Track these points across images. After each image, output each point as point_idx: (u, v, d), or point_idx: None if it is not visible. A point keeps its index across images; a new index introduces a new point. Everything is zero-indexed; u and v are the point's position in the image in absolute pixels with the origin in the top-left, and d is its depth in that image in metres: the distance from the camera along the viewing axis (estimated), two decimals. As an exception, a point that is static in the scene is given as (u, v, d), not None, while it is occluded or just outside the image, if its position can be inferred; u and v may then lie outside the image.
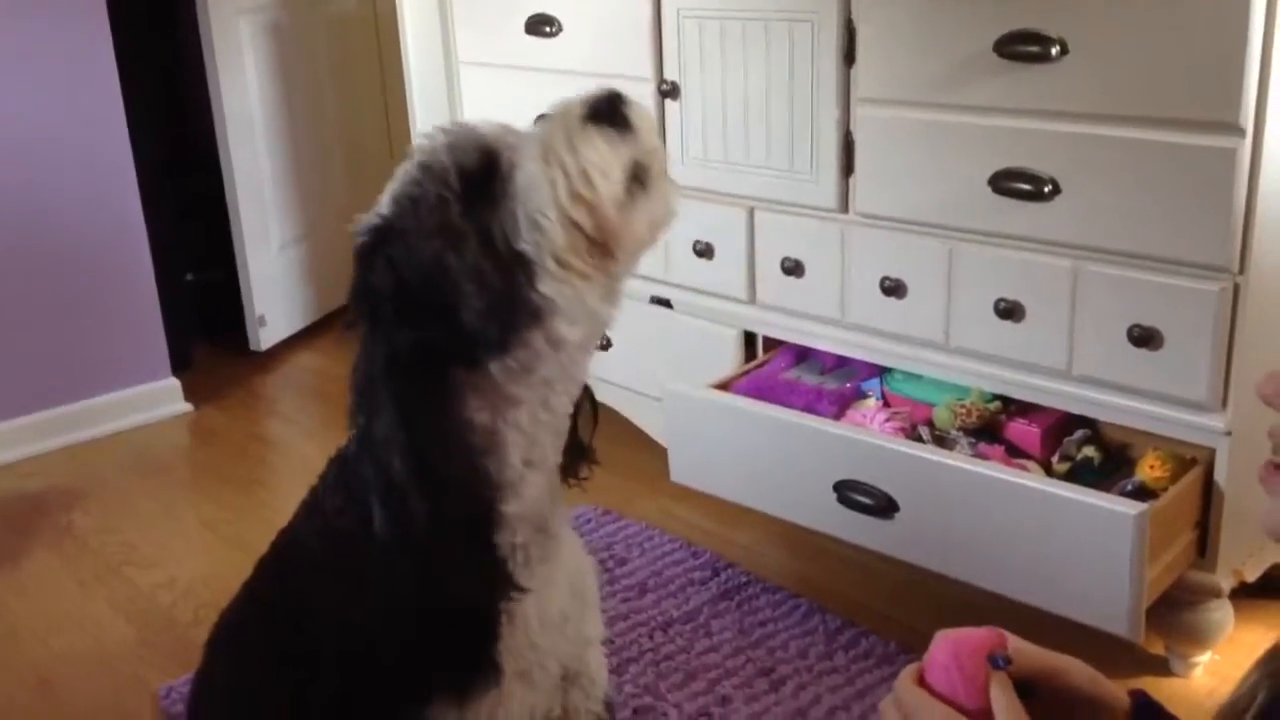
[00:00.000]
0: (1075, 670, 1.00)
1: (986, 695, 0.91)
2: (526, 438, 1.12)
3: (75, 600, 2.21)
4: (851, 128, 1.96)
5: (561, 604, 1.21)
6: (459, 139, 1.06)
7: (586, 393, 1.22)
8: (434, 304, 1.04)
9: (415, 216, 1.04)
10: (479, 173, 1.04)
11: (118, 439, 2.90)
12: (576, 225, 1.02)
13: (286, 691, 1.20)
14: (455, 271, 1.03)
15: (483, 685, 1.14)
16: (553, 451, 1.16)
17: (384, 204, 1.08)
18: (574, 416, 1.19)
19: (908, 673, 0.97)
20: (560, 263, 1.02)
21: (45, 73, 2.72)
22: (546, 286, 1.03)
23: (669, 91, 2.21)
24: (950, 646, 0.94)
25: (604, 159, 1.01)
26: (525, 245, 1.02)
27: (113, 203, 2.86)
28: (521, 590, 1.13)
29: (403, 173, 1.07)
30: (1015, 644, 0.98)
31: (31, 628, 2.11)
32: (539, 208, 1.02)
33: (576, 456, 1.24)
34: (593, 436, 1.26)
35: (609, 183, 1.02)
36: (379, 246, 1.06)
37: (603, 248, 1.04)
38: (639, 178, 1.04)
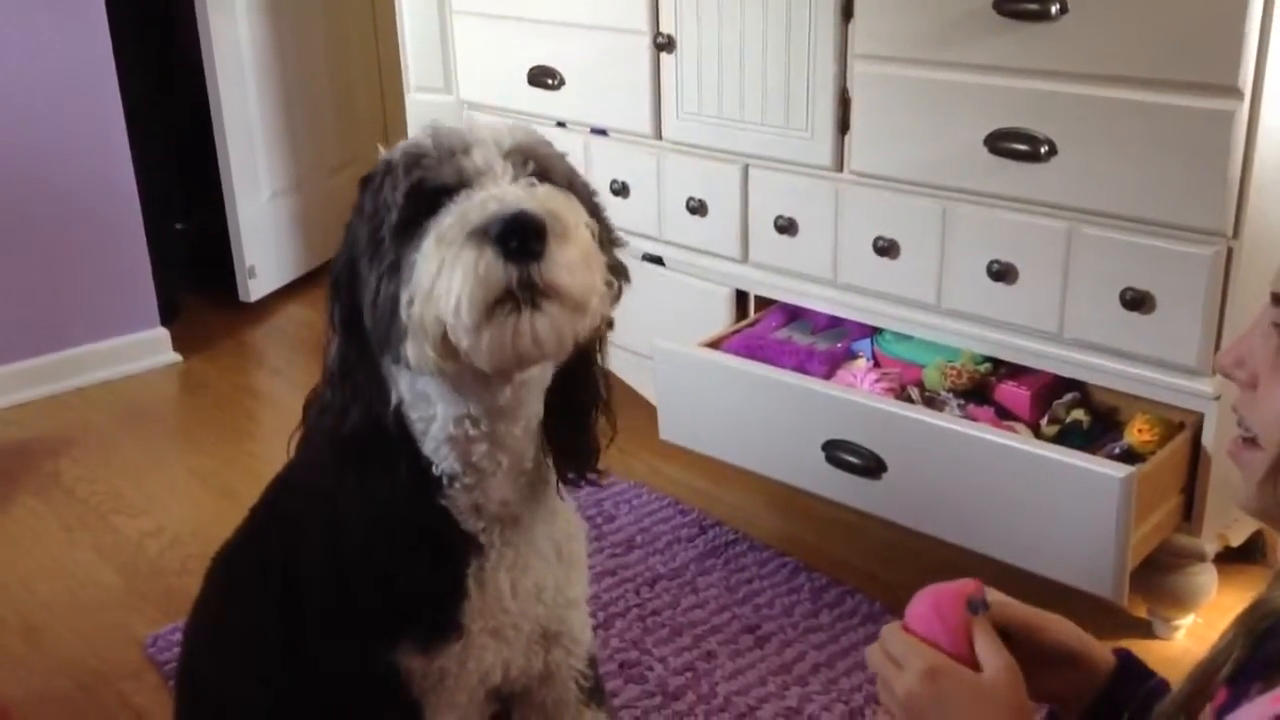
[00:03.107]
0: (1057, 626, 1.01)
1: (967, 640, 0.94)
2: (452, 443, 1.09)
3: (62, 547, 2.20)
4: (848, 85, 1.94)
5: (538, 576, 1.20)
6: (449, 150, 1.01)
7: (587, 401, 1.17)
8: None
9: (372, 198, 1.03)
10: (431, 200, 0.99)
11: (106, 388, 2.89)
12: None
13: (273, 624, 1.22)
14: (364, 276, 1.02)
15: (443, 639, 1.14)
16: (510, 458, 1.12)
17: (391, 152, 1.05)
18: (576, 423, 1.17)
19: (892, 625, 0.98)
20: (416, 339, 0.99)
21: (32, 17, 2.67)
22: (408, 350, 1.00)
23: (665, 45, 2.18)
24: (931, 596, 0.98)
25: (459, 287, 0.93)
26: (400, 306, 0.99)
27: (101, 149, 2.83)
28: (481, 555, 1.13)
29: (403, 145, 1.04)
30: (996, 597, 1.00)
31: (18, 574, 2.11)
32: (411, 287, 0.97)
33: (574, 461, 1.19)
34: (596, 445, 1.20)
35: (449, 310, 0.94)
36: (363, 189, 1.05)
37: (453, 350, 0.98)
38: (519, 301, 0.95)
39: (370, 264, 1.01)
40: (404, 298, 0.98)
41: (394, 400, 1.08)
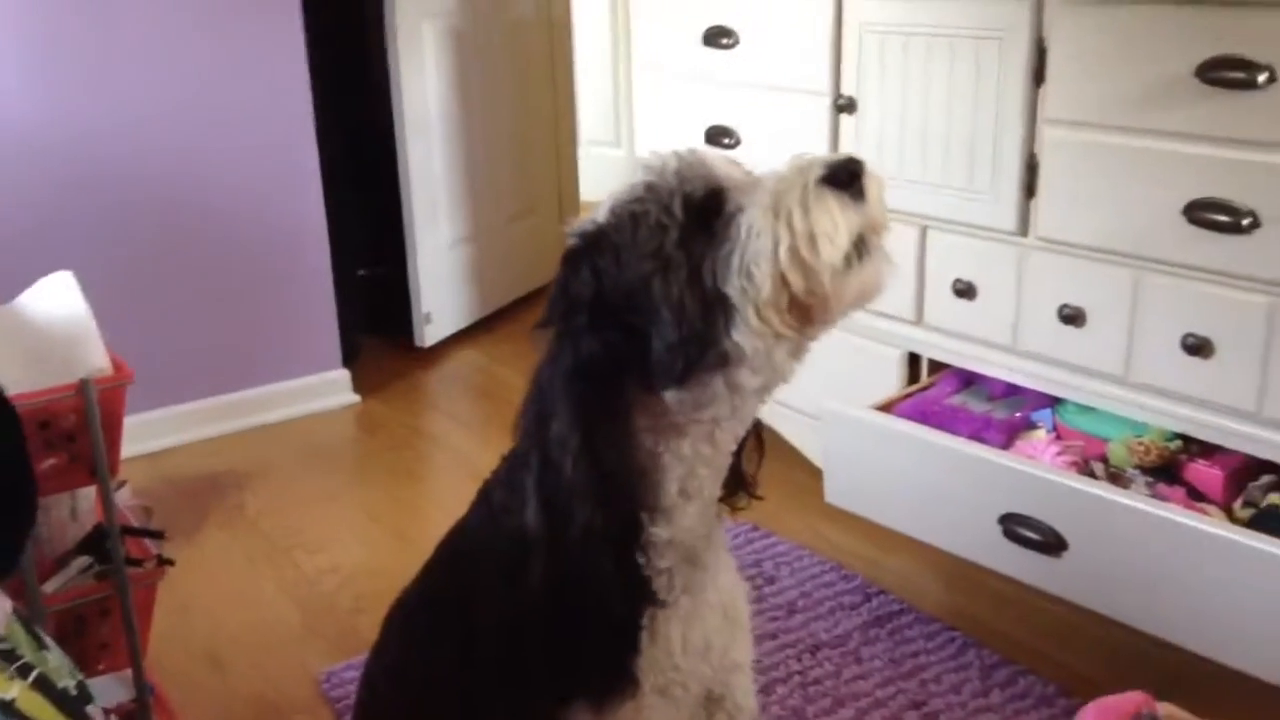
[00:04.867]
0: None
1: None
2: (685, 467, 1.12)
3: (246, 579, 2.30)
4: (1036, 149, 1.90)
5: (707, 631, 1.20)
6: (689, 167, 1.06)
7: (755, 426, 1.20)
8: (628, 324, 1.04)
9: (632, 233, 1.04)
10: (702, 206, 1.04)
11: (289, 425, 3.02)
12: (786, 283, 1.01)
13: (448, 672, 1.24)
14: (658, 298, 1.03)
15: (619, 695, 1.14)
16: (711, 485, 1.15)
17: (602, 212, 1.08)
18: (739, 450, 1.18)
19: None
20: (760, 315, 1.02)
21: (239, 68, 2.84)
22: (740, 335, 1.03)
23: (845, 106, 2.18)
24: (1095, 712, 0.94)
25: (834, 225, 1.00)
26: (731, 290, 1.02)
27: (296, 198, 2.99)
28: (660, 604, 1.13)
29: (628, 187, 1.07)
30: (1168, 711, 0.95)
31: (205, 602, 2.21)
32: (756, 257, 1.01)
33: (736, 487, 1.23)
34: (757, 470, 1.25)
35: (833, 249, 1.00)
36: (588, 253, 1.07)
37: (804, 310, 1.03)
38: (858, 247, 1.02)
39: (662, 280, 1.03)
40: (732, 277, 1.02)
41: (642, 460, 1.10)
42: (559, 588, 1.12)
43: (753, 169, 1.09)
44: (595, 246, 1.06)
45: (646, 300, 1.03)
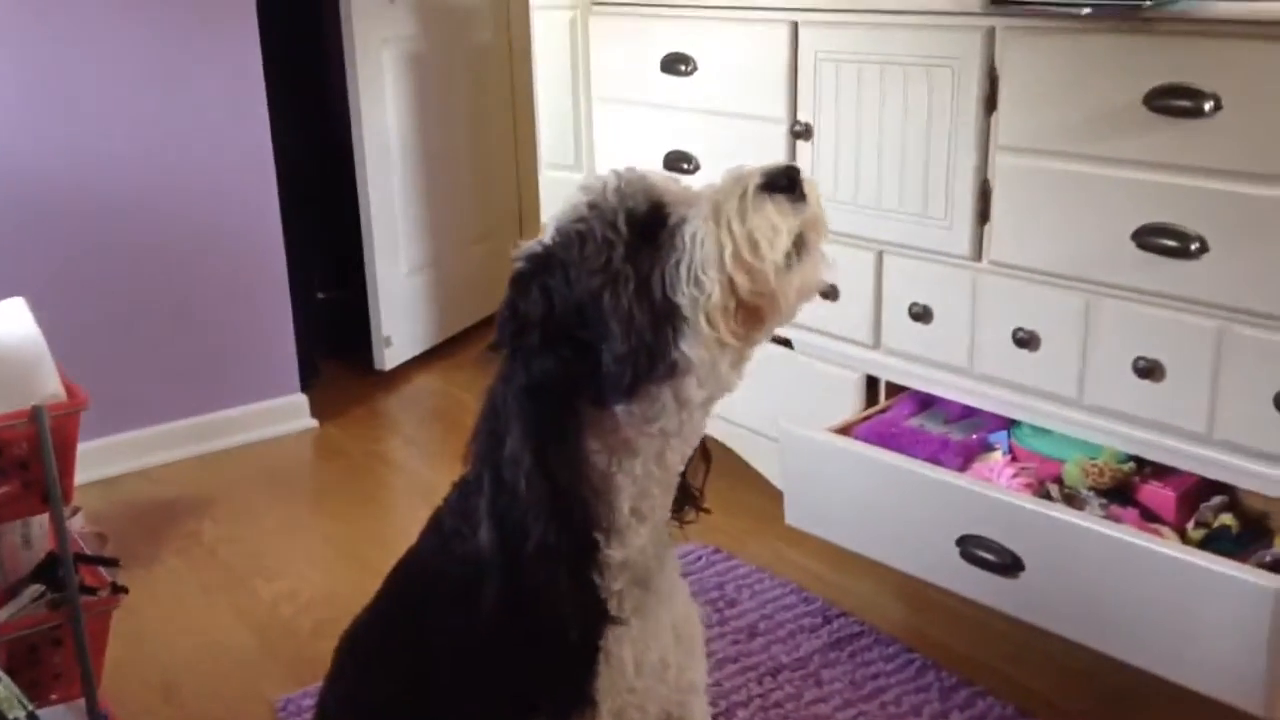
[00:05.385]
0: None
1: None
2: (637, 486, 1.14)
3: (200, 606, 2.28)
4: (989, 175, 1.93)
5: (662, 651, 1.21)
6: (630, 184, 1.09)
7: (700, 442, 1.22)
8: (579, 341, 1.06)
9: (579, 252, 1.07)
10: (646, 220, 1.07)
11: (247, 450, 2.99)
12: (733, 288, 1.04)
13: (401, 698, 1.24)
14: (607, 313, 1.05)
15: (578, 715, 1.15)
16: (662, 505, 1.18)
17: (548, 234, 1.10)
18: (685, 466, 1.20)
19: None
20: (710, 322, 1.04)
21: (197, 93, 2.83)
22: (689, 345, 1.05)
23: (801, 133, 2.21)
24: None
25: (774, 227, 1.05)
26: (681, 299, 1.04)
27: (255, 222, 2.97)
28: (617, 623, 1.14)
29: (570, 208, 1.09)
30: None
31: (158, 631, 2.19)
32: (703, 264, 1.04)
33: (684, 502, 1.26)
34: (703, 484, 1.28)
35: (775, 250, 1.04)
36: (536, 274, 1.09)
37: (752, 311, 1.06)
38: (797, 247, 1.07)
39: (611, 294, 1.05)
40: (681, 285, 1.05)
41: (594, 481, 1.12)
42: (514, 609, 1.13)
43: (692, 185, 1.12)
44: (543, 267, 1.08)
45: (597, 315, 1.05)
